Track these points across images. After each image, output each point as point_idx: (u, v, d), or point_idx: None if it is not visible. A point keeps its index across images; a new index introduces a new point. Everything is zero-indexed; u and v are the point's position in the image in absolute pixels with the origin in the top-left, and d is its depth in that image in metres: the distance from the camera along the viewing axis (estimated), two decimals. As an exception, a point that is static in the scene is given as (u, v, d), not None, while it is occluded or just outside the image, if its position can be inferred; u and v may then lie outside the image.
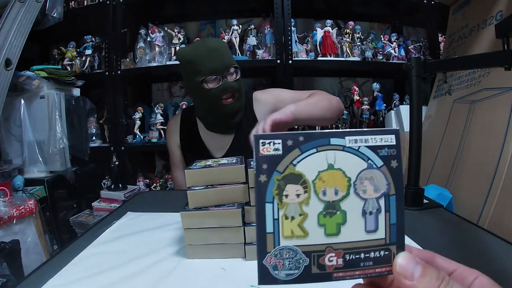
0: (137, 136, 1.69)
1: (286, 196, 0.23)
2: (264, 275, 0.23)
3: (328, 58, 1.56)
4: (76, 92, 1.59)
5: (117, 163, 1.39)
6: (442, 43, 1.67)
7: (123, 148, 1.62)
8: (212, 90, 0.93)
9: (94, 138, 1.69)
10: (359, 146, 0.24)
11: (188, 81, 0.97)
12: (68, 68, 1.68)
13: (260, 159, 0.23)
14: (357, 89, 1.66)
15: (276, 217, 0.23)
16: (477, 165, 0.96)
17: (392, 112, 1.59)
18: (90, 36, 1.71)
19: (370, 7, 1.87)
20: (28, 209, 1.11)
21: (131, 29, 1.76)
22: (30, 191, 1.24)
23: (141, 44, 1.61)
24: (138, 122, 1.68)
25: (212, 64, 0.91)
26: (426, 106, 1.37)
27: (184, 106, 1.67)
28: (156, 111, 1.66)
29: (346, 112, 1.66)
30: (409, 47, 1.69)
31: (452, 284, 0.21)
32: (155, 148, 1.78)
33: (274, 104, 1.06)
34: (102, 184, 1.62)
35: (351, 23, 1.64)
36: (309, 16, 1.90)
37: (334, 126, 1.63)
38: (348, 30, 1.62)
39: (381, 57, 1.65)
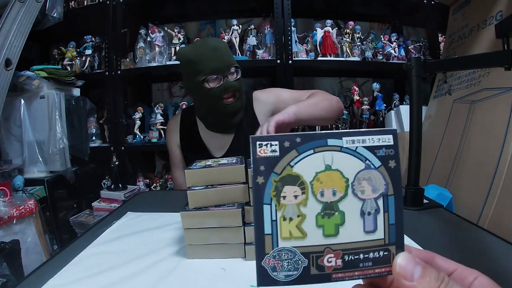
0: (137, 136, 1.69)
1: (284, 197, 0.23)
2: (263, 277, 0.23)
3: (328, 58, 1.56)
4: (76, 92, 1.59)
5: (117, 163, 1.39)
6: (442, 43, 1.67)
7: (123, 148, 1.62)
8: (213, 90, 0.93)
9: (94, 138, 1.69)
10: (357, 147, 0.24)
11: (189, 80, 0.97)
12: (68, 68, 1.68)
13: (258, 161, 0.23)
14: (357, 89, 1.66)
15: (274, 218, 0.23)
16: (477, 165, 0.96)
17: (392, 112, 1.59)
18: (90, 36, 1.71)
19: (370, 7, 1.87)
20: (28, 209, 1.11)
21: (131, 29, 1.76)
22: (30, 191, 1.24)
23: (141, 44, 1.61)
24: (138, 122, 1.68)
25: (213, 63, 0.91)
26: (426, 106, 1.37)
27: (184, 106, 1.67)
28: (156, 111, 1.66)
29: (346, 112, 1.66)
30: (409, 47, 1.69)
31: (452, 285, 0.21)
32: (155, 148, 1.78)
33: (274, 104, 1.06)
34: (102, 184, 1.62)
35: (351, 23, 1.64)
36: (309, 16, 1.90)
37: (334, 126, 1.63)
38: (348, 30, 1.62)
39: (381, 57, 1.65)
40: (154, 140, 1.65)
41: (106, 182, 1.62)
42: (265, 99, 1.08)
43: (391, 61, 1.64)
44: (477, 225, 0.65)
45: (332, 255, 0.23)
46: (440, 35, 1.71)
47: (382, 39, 1.67)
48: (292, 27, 1.55)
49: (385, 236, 0.24)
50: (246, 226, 0.52)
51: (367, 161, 0.24)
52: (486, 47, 1.09)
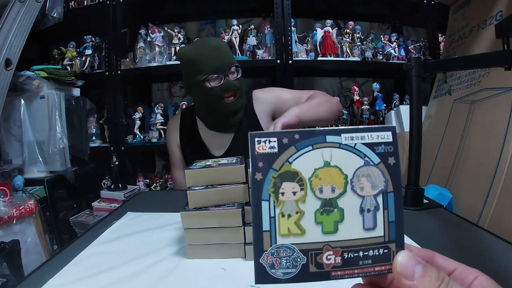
0: (137, 136, 1.69)
1: (283, 194, 0.23)
2: (261, 274, 0.23)
3: (328, 58, 1.56)
4: (76, 92, 1.59)
5: (117, 163, 1.39)
6: (442, 43, 1.67)
7: (123, 148, 1.62)
8: (214, 89, 0.93)
9: (94, 138, 1.69)
10: (356, 143, 0.24)
11: (189, 80, 0.97)
12: (68, 68, 1.68)
13: (256, 157, 0.23)
14: (357, 89, 1.66)
15: (272, 215, 0.23)
16: (477, 165, 0.96)
17: (392, 112, 1.59)
18: (90, 36, 1.71)
19: (370, 7, 1.87)
20: (28, 209, 1.11)
21: (131, 29, 1.76)
22: (30, 191, 1.24)
23: (141, 44, 1.61)
24: (138, 122, 1.68)
25: (214, 63, 0.92)
26: (426, 106, 1.37)
27: (184, 106, 1.67)
28: (156, 111, 1.66)
29: (346, 112, 1.66)
30: (409, 47, 1.69)
31: (452, 285, 0.21)
32: (155, 148, 1.78)
33: (275, 104, 1.06)
34: (102, 184, 1.62)
35: (351, 23, 1.64)
36: (309, 16, 1.90)
37: (333, 125, 1.63)
38: (348, 30, 1.62)
39: (381, 57, 1.65)
40: (154, 140, 1.65)
41: (106, 182, 1.62)
42: (265, 98, 1.08)
43: (391, 61, 1.64)
44: (477, 225, 0.65)
45: (331, 253, 0.23)
46: (440, 35, 1.71)
47: (382, 39, 1.68)
48: (292, 27, 1.55)
49: (384, 234, 0.23)
50: (246, 226, 0.52)
51: (366, 158, 0.24)
52: (486, 47, 1.09)
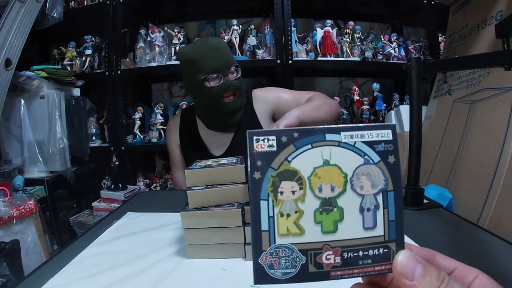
0: (137, 136, 1.69)
1: (281, 193, 0.23)
2: (260, 275, 0.22)
3: (328, 58, 1.56)
4: (76, 92, 1.59)
5: (117, 163, 1.39)
6: (442, 43, 1.67)
7: (123, 148, 1.62)
8: (214, 89, 0.93)
9: (94, 138, 1.69)
10: (355, 142, 0.23)
11: (189, 80, 0.97)
12: (68, 68, 1.68)
13: (254, 156, 0.23)
14: (357, 89, 1.66)
15: (271, 214, 0.23)
16: (477, 165, 0.96)
17: (392, 112, 1.59)
18: (90, 36, 1.71)
19: (370, 7, 1.87)
20: (28, 209, 1.11)
21: (131, 29, 1.76)
22: (30, 191, 1.24)
23: (141, 44, 1.61)
24: (138, 122, 1.68)
25: (214, 62, 0.92)
26: (426, 106, 1.37)
27: (184, 106, 1.67)
28: (156, 111, 1.66)
29: (346, 112, 1.66)
30: (409, 47, 1.69)
31: (452, 285, 0.21)
32: (155, 148, 1.78)
33: (275, 104, 1.06)
34: (102, 184, 1.62)
35: (351, 23, 1.64)
36: (309, 16, 1.90)
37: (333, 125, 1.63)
38: (348, 30, 1.62)
39: (381, 57, 1.65)
40: (154, 140, 1.65)
41: (106, 182, 1.62)
42: (265, 98, 1.08)
43: (391, 61, 1.64)
44: (477, 225, 0.65)
45: (331, 252, 0.23)
46: (440, 35, 1.71)
47: (382, 39, 1.67)
48: (292, 27, 1.55)
49: (384, 233, 0.23)
50: (246, 226, 0.52)
51: (366, 156, 0.23)
52: (486, 47, 1.09)
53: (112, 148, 1.62)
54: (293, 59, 1.54)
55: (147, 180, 1.74)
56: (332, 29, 1.57)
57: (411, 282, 0.21)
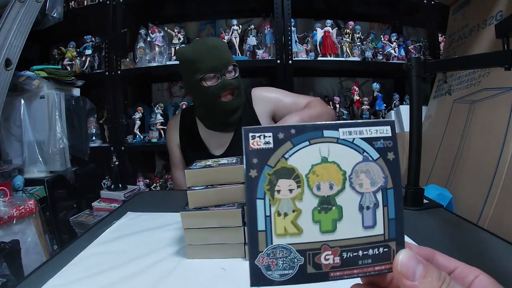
0: (137, 136, 1.69)
1: (278, 191, 0.22)
2: (257, 276, 0.21)
3: (328, 58, 1.56)
4: (76, 92, 1.59)
5: (117, 163, 1.38)
6: (442, 43, 1.67)
7: (123, 148, 1.62)
8: (211, 88, 0.94)
9: (94, 138, 1.69)
10: (354, 138, 0.23)
11: (188, 79, 0.97)
12: (68, 68, 1.68)
13: (250, 153, 0.22)
14: (357, 89, 1.66)
15: (268, 214, 0.22)
16: (477, 165, 0.96)
17: (392, 112, 1.59)
18: (90, 36, 1.71)
19: (370, 7, 1.87)
20: (28, 209, 1.11)
21: (131, 29, 1.76)
22: (30, 191, 1.24)
23: (141, 44, 1.61)
24: (138, 122, 1.68)
25: (211, 62, 0.92)
26: (426, 106, 1.37)
27: (184, 106, 1.67)
28: (156, 111, 1.66)
29: (346, 112, 1.66)
30: (409, 47, 1.69)
31: (453, 285, 0.21)
32: (155, 148, 1.78)
33: (275, 105, 1.07)
34: (102, 184, 1.62)
35: (351, 23, 1.64)
36: (309, 16, 1.90)
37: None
38: (348, 30, 1.62)
39: (381, 57, 1.65)
40: (154, 140, 1.65)
41: (106, 182, 1.62)
42: (265, 97, 1.08)
43: (391, 61, 1.64)
44: (477, 225, 0.65)
45: (330, 253, 0.22)
46: (440, 35, 1.71)
47: (382, 39, 1.67)
48: (292, 27, 1.55)
49: (384, 232, 0.22)
50: (246, 226, 0.52)
51: (365, 153, 0.23)
52: (486, 47, 1.09)
53: (112, 148, 1.62)
54: (293, 59, 1.54)
55: (147, 180, 1.74)
56: (332, 29, 1.57)
57: (411, 282, 0.21)
